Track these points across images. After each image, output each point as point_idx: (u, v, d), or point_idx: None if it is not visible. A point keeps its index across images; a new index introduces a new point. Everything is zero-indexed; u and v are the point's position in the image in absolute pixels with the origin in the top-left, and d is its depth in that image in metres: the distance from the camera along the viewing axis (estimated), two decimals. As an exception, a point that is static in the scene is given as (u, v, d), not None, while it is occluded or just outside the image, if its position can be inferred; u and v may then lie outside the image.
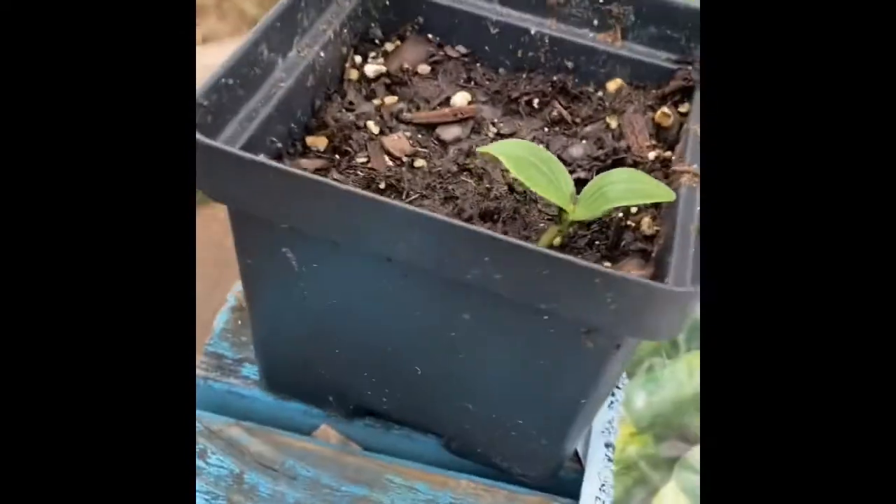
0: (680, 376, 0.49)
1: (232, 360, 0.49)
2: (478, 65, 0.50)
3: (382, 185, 0.41)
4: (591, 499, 0.44)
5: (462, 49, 0.50)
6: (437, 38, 0.50)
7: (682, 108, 0.46)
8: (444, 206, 0.41)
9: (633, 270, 0.35)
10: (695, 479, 0.44)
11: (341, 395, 0.46)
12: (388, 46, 0.50)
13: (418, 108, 0.47)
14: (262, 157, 0.34)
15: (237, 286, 0.53)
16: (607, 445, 0.46)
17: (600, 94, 0.48)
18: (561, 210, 0.36)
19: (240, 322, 0.51)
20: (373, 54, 0.49)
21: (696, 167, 0.39)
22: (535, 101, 0.47)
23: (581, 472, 0.45)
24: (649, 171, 0.42)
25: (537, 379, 0.37)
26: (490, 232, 0.30)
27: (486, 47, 0.50)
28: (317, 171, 0.41)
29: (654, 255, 0.37)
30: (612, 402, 0.48)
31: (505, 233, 0.40)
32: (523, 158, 0.35)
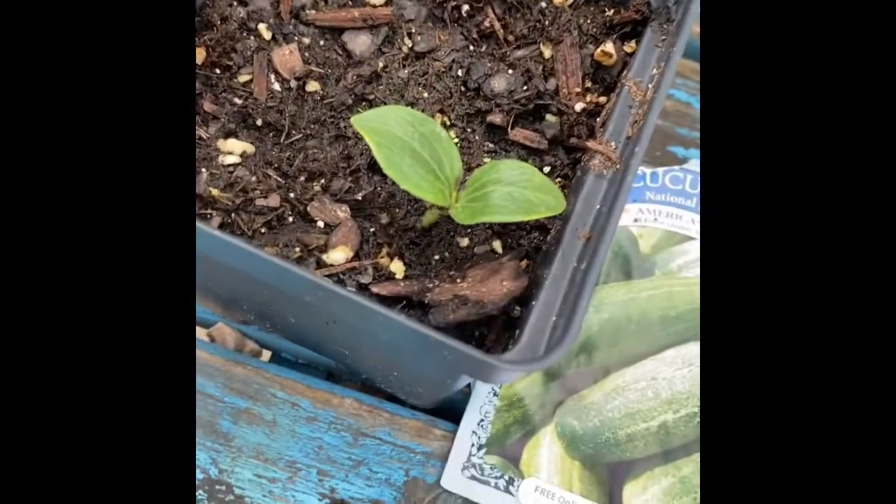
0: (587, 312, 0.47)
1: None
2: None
3: (259, 122, 0.36)
4: (468, 433, 0.44)
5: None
6: None
7: (629, 47, 0.38)
8: (332, 148, 0.37)
9: (505, 281, 0.32)
10: (574, 425, 0.45)
11: (231, 313, 0.45)
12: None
13: (326, 2, 0.40)
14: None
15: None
16: (497, 379, 0.46)
17: (543, 3, 0.40)
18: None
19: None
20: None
21: (613, 146, 0.34)
22: (465, 7, 0.40)
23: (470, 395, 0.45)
24: (573, 125, 0.37)
25: (404, 362, 0.36)
26: (322, 281, 0.27)
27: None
28: (187, 96, 0.36)
29: (542, 251, 0.34)
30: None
31: (391, 194, 0.36)
32: (398, 142, 0.30)
